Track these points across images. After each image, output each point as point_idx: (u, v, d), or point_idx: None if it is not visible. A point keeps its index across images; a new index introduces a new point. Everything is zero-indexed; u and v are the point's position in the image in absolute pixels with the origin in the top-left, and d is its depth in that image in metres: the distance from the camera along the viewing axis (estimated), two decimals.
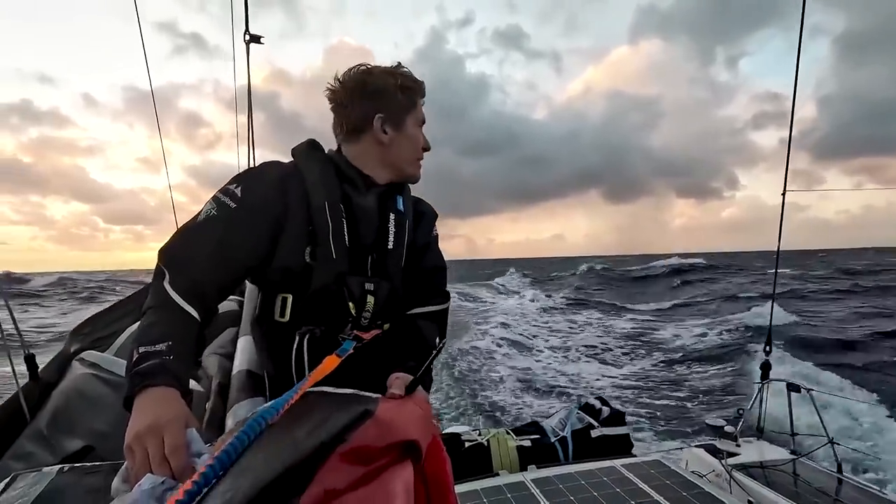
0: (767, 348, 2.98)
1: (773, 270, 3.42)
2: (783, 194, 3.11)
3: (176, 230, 0.86)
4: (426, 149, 1.03)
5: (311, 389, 0.67)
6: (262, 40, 2.13)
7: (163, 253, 0.83)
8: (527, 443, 2.39)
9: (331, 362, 0.75)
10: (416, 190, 1.11)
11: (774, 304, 3.18)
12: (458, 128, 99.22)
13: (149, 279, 0.84)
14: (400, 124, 0.98)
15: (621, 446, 2.44)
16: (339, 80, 0.97)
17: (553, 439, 2.43)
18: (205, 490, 0.47)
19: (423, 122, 1.03)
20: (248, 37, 2.16)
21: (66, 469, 0.73)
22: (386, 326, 0.97)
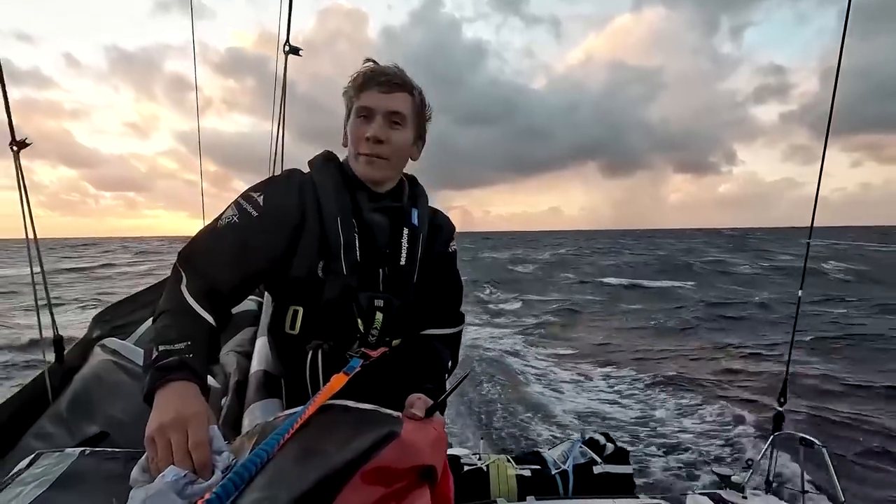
0: (782, 399, 2.89)
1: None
2: (807, 242, 3.05)
3: (196, 233, 0.88)
4: (370, 139, 0.91)
5: (332, 402, 0.69)
6: (300, 52, 2.22)
7: (182, 256, 0.84)
8: (527, 472, 2.35)
9: (338, 381, 0.76)
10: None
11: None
12: (454, 96, 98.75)
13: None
14: (346, 123, 0.97)
15: (623, 485, 2.38)
16: None
17: (554, 471, 2.38)
18: (228, 502, 0.48)
19: (369, 111, 0.92)
20: (287, 48, 2.24)
21: (87, 452, 0.75)
22: (395, 343, 0.97)
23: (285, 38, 2.16)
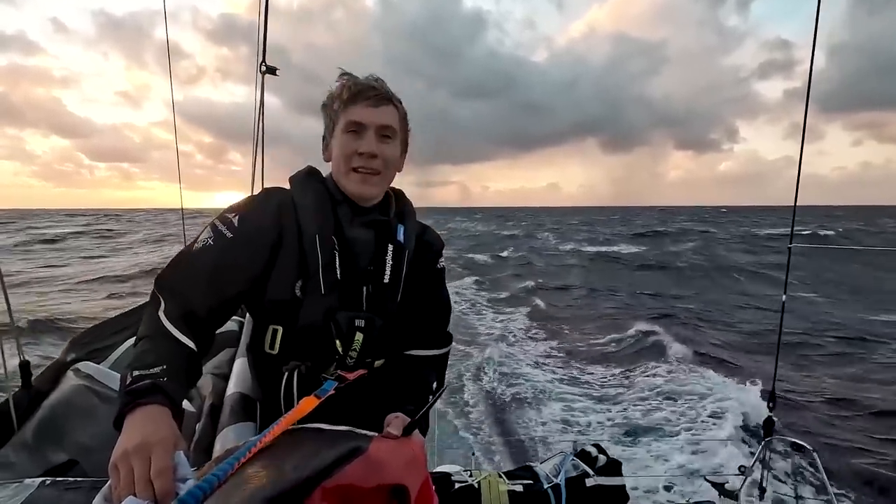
0: (771, 404, 2.90)
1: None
2: (789, 247, 3.09)
3: (173, 257, 0.88)
4: (362, 153, 0.90)
5: (304, 426, 0.66)
6: (277, 72, 2.20)
7: (159, 281, 0.84)
8: (519, 487, 2.31)
9: (308, 404, 0.74)
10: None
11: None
12: (452, 68, 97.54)
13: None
14: (331, 136, 0.95)
15: (617, 498, 2.35)
16: None
17: (546, 486, 2.35)
18: None
19: (359, 125, 0.91)
20: (263, 68, 2.22)
21: (47, 482, 0.72)
22: (378, 363, 0.95)
23: (261, 58, 2.14)
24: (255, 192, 1.02)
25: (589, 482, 2.33)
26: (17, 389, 1.20)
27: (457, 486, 2.30)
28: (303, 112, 35.20)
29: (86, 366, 1.38)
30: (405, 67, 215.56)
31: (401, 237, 0.96)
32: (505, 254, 24.65)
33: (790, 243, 3.06)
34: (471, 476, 2.36)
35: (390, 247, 0.94)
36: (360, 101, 0.91)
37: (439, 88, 50.92)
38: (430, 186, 56.98)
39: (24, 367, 1.24)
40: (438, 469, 2.58)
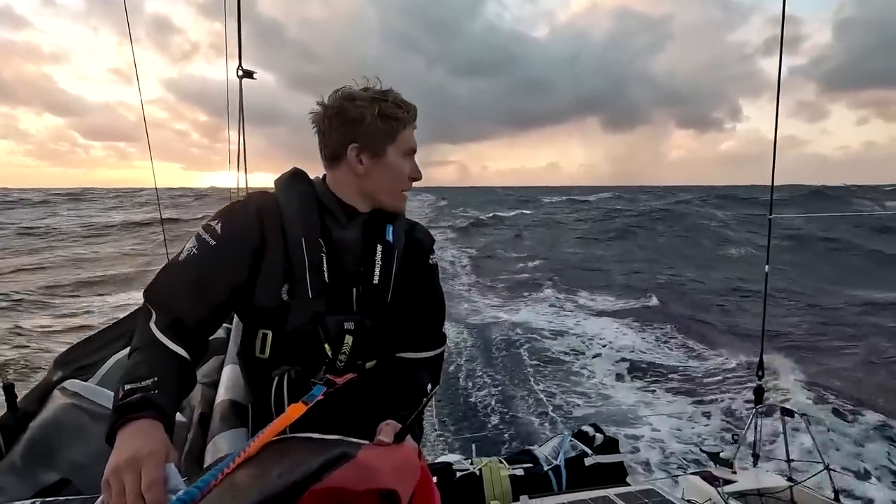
0: (760, 373, 2.97)
1: None
2: (769, 218, 3.15)
3: (161, 268, 0.88)
4: (415, 178, 0.98)
5: (294, 435, 0.67)
6: (254, 76, 2.16)
7: (148, 292, 0.85)
8: (519, 471, 2.34)
9: (295, 410, 0.73)
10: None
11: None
12: (451, 44, 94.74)
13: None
14: (378, 154, 0.92)
15: (615, 474, 2.39)
16: (322, 104, 0.93)
17: (546, 468, 2.38)
18: None
19: (414, 151, 0.97)
20: (240, 72, 2.18)
21: (37, 503, 0.71)
22: (369, 365, 0.95)
23: (238, 62, 2.10)
24: (240, 191, 1.01)
25: (588, 461, 2.37)
26: (3, 413, 1.18)
27: (458, 474, 2.32)
28: (297, 88, 34.06)
29: (72, 384, 1.36)
30: (401, 43, 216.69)
31: (389, 237, 0.95)
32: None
33: (769, 215, 3.11)
34: (472, 464, 2.38)
35: (379, 247, 0.93)
36: (411, 124, 0.95)
37: (437, 65, 49.13)
38: (427, 166, 58.90)
39: (9, 388, 1.22)
40: (440, 460, 2.60)
